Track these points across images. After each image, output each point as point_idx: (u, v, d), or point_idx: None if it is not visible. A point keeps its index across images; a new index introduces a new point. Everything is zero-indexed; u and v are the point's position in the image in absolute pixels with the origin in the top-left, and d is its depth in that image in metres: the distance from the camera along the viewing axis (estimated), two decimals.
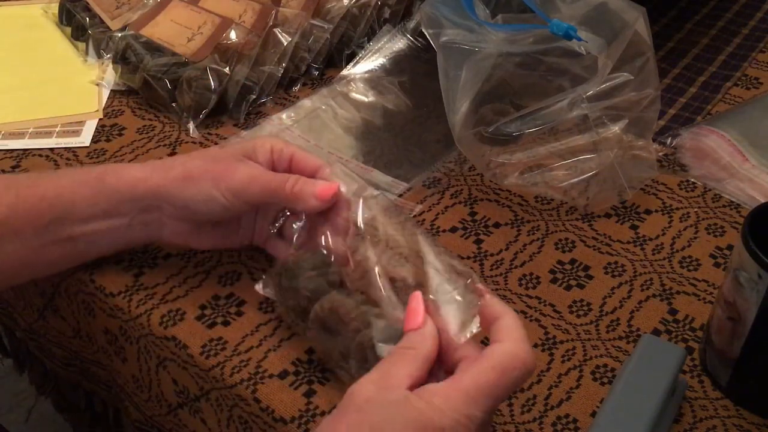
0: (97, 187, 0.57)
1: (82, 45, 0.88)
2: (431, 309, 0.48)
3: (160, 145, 0.75)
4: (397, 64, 0.86)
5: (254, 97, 0.79)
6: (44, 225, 0.56)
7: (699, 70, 0.87)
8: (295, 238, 0.58)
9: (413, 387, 0.43)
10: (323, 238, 0.56)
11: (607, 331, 0.58)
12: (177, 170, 0.57)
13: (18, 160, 0.74)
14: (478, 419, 0.42)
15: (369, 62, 0.85)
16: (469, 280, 0.49)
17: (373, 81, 0.83)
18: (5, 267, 0.57)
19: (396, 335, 0.48)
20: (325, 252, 0.56)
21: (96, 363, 0.68)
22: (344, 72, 0.85)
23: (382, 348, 0.48)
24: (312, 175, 0.58)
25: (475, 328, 0.47)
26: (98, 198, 0.57)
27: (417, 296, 0.48)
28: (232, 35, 0.79)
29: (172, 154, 0.74)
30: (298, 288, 0.54)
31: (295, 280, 0.54)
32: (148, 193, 0.57)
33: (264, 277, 0.57)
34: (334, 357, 0.52)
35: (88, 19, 0.88)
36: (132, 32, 0.82)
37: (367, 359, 0.49)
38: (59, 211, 0.57)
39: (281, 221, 0.60)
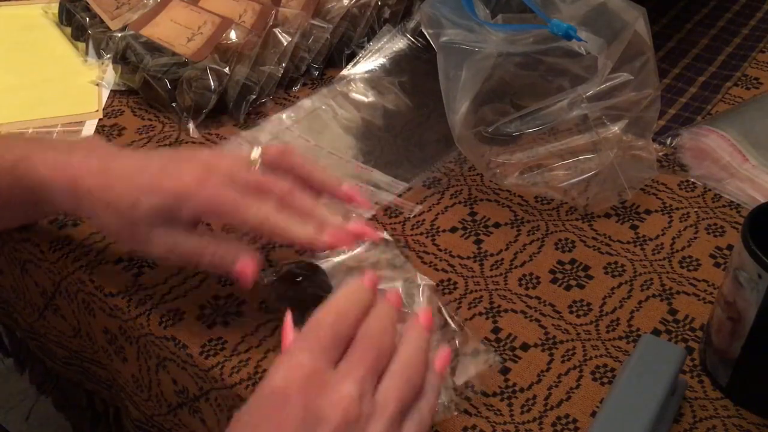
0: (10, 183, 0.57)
1: (82, 45, 0.88)
2: None
3: (160, 145, 0.75)
4: (397, 64, 0.86)
5: (254, 97, 0.79)
6: None
7: (699, 70, 0.87)
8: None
9: None
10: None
11: (607, 331, 0.58)
12: (96, 214, 0.55)
13: None
14: (306, 366, 0.43)
15: (369, 62, 0.85)
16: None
17: (373, 81, 0.83)
18: None
19: None
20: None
21: (96, 362, 0.68)
22: (344, 72, 0.85)
23: None
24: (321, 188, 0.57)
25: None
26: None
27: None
28: (232, 35, 0.79)
29: None
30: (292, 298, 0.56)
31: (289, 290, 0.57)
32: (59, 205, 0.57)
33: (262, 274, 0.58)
34: None
35: (88, 19, 0.88)
36: (132, 32, 0.82)
37: None
38: None
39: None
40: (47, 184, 0.55)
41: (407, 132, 0.77)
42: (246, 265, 0.53)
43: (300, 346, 0.44)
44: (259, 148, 0.56)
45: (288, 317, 0.48)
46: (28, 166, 0.56)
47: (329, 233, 0.53)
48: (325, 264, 0.60)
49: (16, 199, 0.58)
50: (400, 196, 0.69)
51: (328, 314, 0.45)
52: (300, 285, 0.58)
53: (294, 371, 0.42)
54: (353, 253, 0.61)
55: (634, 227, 0.67)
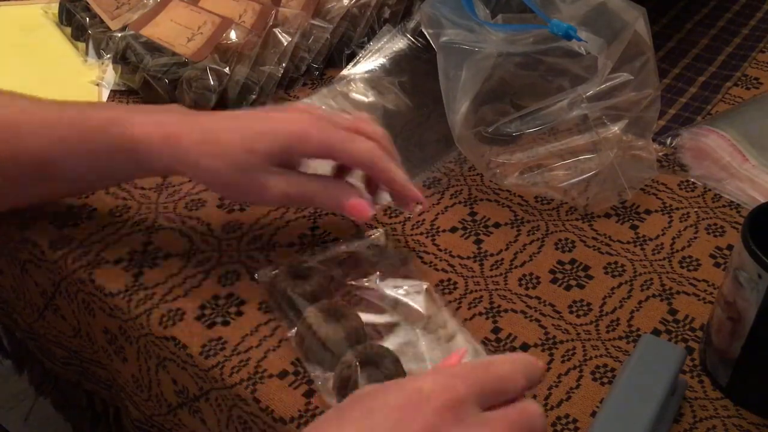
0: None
1: (82, 45, 0.88)
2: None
3: None
4: (397, 64, 0.86)
5: (254, 97, 0.79)
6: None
7: (699, 70, 0.87)
8: None
9: None
10: None
11: (607, 331, 0.58)
12: (202, 166, 0.56)
13: None
14: (459, 391, 0.41)
15: (369, 62, 0.85)
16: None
17: (373, 81, 0.83)
18: None
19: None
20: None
21: (96, 362, 0.68)
22: (344, 72, 0.85)
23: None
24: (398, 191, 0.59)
25: None
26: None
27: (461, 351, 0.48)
28: (232, 35, 0.79)
29: None
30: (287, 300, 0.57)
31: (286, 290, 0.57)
32: (162, 170, 0.59)
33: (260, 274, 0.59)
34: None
35: (88, 19, 0.88)
36: (132, 32, 0.82)
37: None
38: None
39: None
40: (144, 142, 0.56)
41: (407, 132, 0.77)
42: (357, 201, 0.56)
43: (462, 373, 0.43)
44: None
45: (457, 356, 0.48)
46: (121, 127, 0.56)
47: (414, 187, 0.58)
48: (320, 258, 0.60)
49: (110, 160, 0.57)
50: None
51: (503, 366, 0.44)
52: (300, 283, 0.58)
53: (445, 389, 0.41)
54: (349, 248, 0.61)
55: (634, 227, 0.67)
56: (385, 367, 0.51)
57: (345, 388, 0.51)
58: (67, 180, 0.61)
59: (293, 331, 0.56)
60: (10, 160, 0.58)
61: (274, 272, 0.59)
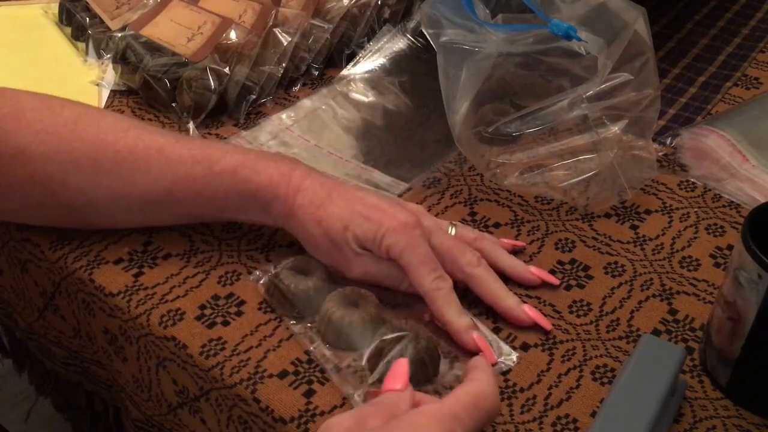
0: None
1: (82, 45, 0.88)
2: None
3: None
4: (397, 64, 0.86)
5: (254, 97, 0.79)
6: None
7: (699, 70, 0.87)
8: None
9: None
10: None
11: (607, 331, 0.58)
12: (305, 227, 0.58)
13: None
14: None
15: (369, 62, 0.85)
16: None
17: (373, 81, 0.83)
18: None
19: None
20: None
21: (96, 363, 0.68)
22: (344, 72, 0.85)
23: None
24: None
25: None
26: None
27: (402, 362, 0.49)
28: (232, 35, 0.79)
29: None
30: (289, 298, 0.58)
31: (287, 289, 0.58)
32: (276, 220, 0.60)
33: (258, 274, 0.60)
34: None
35: (88, 19, 0.88)
36: (132, 32, 0.82)
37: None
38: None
39: None
40: (267, 191, 0.58)
41: (407, 132, 0.77)
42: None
43: (460, 416, 0.44)
44: (455, 228, 0.61)
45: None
46: (249, 172, 0.58)
47: (528, 308, 0.58)
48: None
49: (229, 204, 0.60)
50: (400, 196, 0.69)
51: (486, 401, 0.46)
52: (302, 279, 0.58)
53: None
54: None
55: (634, 227, 0.67)
56: (418, 343, 0.52)
57: (379, 357, 0.52)
58: (176, 214, 0.63)
59: (306, 323, 0.57)
60: (132, 191, 0.60)
61: (274, 271, 0.59)
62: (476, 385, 0.46)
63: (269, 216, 0.60)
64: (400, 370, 0.48)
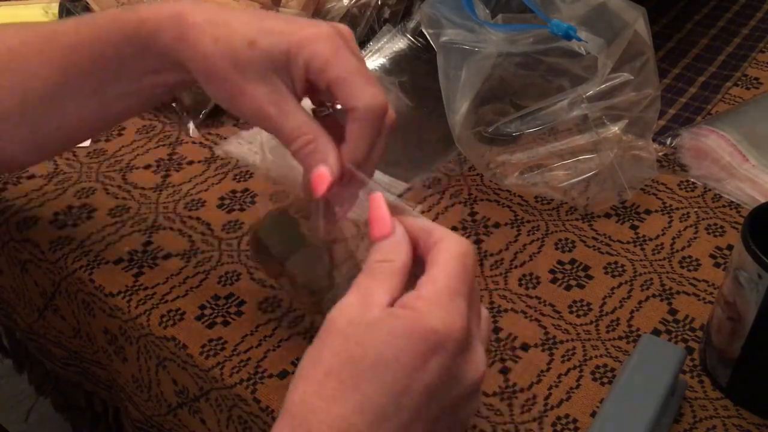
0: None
1: None
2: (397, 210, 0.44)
3: (160, 145, 0.75)
4: (397, 64, 0.86)
5: None
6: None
7: (699, 70, 0.87)
8: None
9: (393, 302, 0.40)
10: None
11: (607, 331, 0.58)
12: (200, 48, 0.48)
13: None
14: (464, 311, 0.40)
15: (369, 62, 0.85)
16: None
17: None
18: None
19: None
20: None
21: (96, 363, 0.68)
22: None
23: None
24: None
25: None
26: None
27: (378, 198, 0.43)
28: None
29: (173, 154, 0.74)
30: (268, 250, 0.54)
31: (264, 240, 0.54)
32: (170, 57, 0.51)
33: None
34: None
35: None
36: None
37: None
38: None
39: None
40: (150, 19, 0.50)
41: (407, 132, 0.77)
42: (324, 174, 0.47)
43: (459, 289, 0.40)
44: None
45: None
46: (130, 13, 0.51)
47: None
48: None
49: (118, 52, 0.52)
50: (400, 196, 0.69)
51: (472, 262, 0.41)
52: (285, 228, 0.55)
53: (454, 321, 0.39)
54: None
55: (634, 227, 0.67)
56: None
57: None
58: (78, 105, 0.55)
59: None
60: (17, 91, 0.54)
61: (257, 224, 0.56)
62: (450, 244, 0.42)
63: (161, 46, 0.50)
64: (379, 212, 0.43)
